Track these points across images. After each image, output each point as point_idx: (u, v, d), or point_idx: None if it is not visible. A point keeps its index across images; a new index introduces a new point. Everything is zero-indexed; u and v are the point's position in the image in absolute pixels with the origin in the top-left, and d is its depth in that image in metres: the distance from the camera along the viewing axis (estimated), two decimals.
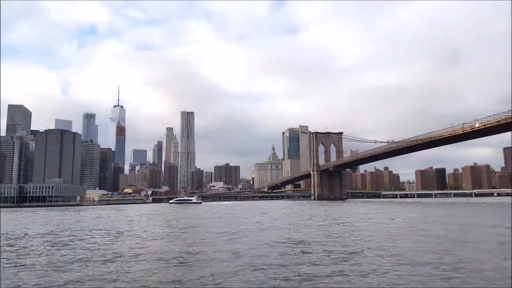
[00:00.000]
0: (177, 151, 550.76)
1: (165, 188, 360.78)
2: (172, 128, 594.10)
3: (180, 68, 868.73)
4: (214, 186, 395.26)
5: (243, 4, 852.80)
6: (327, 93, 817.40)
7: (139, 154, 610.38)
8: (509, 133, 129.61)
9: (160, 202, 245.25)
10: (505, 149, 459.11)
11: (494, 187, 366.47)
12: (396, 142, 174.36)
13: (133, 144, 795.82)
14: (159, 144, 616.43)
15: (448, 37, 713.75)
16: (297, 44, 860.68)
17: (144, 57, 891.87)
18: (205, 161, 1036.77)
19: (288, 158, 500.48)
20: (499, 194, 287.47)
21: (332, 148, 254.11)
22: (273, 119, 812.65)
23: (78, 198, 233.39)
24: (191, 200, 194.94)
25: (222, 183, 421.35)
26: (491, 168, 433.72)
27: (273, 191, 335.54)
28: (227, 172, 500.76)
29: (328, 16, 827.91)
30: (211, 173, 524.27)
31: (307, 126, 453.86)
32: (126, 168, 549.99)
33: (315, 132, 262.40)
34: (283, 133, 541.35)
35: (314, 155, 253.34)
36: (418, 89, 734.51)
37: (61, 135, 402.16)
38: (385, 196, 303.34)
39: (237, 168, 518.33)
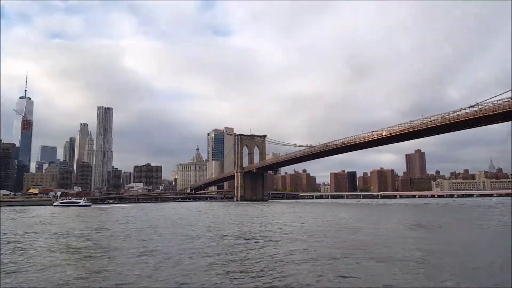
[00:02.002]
0: (92, 149, 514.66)
1: (77, 189, 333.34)
2: (87, 124, 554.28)
3: (99, 61, 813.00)
4: (133, 187, 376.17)
5: (171, 3, 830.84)
6: (252, 96, 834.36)
7: (48, 151, 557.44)
8: (411, 141, 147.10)
9: None
10: (407, 155, 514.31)
11: (397, 190, 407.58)
12: (314, 146, 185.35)
13: (41, 140, 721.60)
14: (72, 141, 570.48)
15: (364, 49, 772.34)
16: (224, 46, 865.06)
17: (58, 46, 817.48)
18: (124, 161, 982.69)
19: (212, 159, 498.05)
20: (401, 196, 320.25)
21: (256, 151, 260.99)
22: (199, 120, 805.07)
23: None
24: (79, 202, 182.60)
25: (142, 184, 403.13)
26: (395, 173, 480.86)
27: (196, 192, 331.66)
28: (148, 173, 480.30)
29: (255, 21, 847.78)
30: (130, 173, 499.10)
31: (233, 128, 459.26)
32: (32, 166, 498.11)
33: (240, 134, 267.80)
34: (208, 134, 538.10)
35: (238, 157, 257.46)
36: (334, 98, 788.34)
37: None
38: (303, 197, 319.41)
39: (158, 169, 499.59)
